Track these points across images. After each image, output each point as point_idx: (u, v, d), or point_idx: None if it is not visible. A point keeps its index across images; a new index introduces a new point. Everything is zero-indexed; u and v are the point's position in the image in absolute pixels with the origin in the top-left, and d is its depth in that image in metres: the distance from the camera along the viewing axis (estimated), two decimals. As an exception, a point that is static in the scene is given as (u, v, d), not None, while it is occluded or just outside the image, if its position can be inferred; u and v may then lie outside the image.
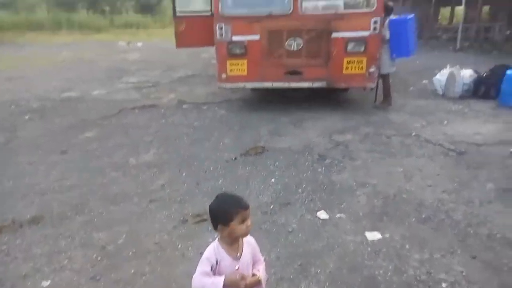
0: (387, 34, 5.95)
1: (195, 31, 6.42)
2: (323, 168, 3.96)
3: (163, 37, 28.84)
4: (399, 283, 2.27)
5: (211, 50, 15.71)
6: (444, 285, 2.25)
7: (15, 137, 5.24)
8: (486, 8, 22.36)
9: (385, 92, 6.45)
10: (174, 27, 6.79)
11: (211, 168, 4.05)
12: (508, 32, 17.24)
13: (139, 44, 22.04)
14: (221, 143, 4.87)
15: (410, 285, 2.26)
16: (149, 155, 4.51)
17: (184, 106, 6.99)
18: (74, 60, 14.38)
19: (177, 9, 6.63)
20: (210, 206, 1.50)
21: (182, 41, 6.89)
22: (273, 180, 3.72)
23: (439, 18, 25.80)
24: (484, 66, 8.07)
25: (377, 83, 6.19)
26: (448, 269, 2.38)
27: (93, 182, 3.74)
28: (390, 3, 6.14)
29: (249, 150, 4.55)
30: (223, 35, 6.00)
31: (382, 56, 6.02)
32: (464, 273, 2.34)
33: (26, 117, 6.31)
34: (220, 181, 3.74)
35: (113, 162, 4.26)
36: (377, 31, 5.64)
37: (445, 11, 26.47)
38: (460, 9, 20.54)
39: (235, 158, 4.32)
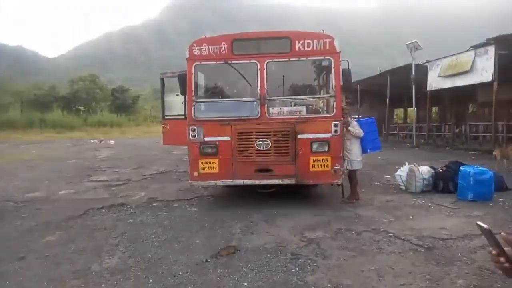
0: (361, 132, 6.61)
1: (176, 132, 6.74)
2: (297, 269, 3.89)
3: (136, 134, 29.61)
4: None
5: (183, 148, 16.19)
6: None
7: (-33, 243, 4.88)
8: (434, 109, 24.96)
9: (353, 188, 6.76)
10: (162, 127, 7.54)
11: (180, 273, 3.87)
12: (456, 130, 19.08)
13: (112, 141, 22.38)
14: (191, 244, 4.73)
15: None
16: (113, 260, 4.27)
17: (154, 204, 6.90)
18: (43, 158, 14.23)
19: (165, 112, 7.31)
20: None
21: (167, 139, 7.54)
22: (245, 284, 3.58)
23: (395, 117, 28.36)
24: (439, 161, 8.73)
25: (342, 180, 6.49)
26: None
27: (51, 293, 3.45)
28: (346, 107, 6.90)
29: (220, 251, 4.43)
30: (196, 136, 6.30)
31: (354, 153, 6.64)
32: None
33: (-17, 220, 5.96)
34: (189, 286, 3.56)
35: (74, 270, 3.98)
36: (338, 133, 6.13)
37: (399, 112, 29.25)
38: (411, 110, 22.83)
39: (206, 260, 4.17)
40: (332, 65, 6.19)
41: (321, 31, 6.31)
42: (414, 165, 7.61)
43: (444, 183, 7.31)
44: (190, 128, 6.32)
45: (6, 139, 24.15)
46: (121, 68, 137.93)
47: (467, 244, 4.51)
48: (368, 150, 6.85)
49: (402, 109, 27.77)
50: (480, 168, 6.68)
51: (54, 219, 5.92)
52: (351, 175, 6.75)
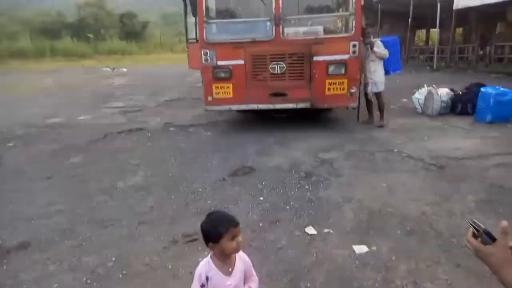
0: (387, 53, 6.37)
1: (196, 56, 6.57)
2: (310, 186, 4.04)
3: (148, 63, 29.17)
4: (387, 294, 2.32)
5: (196, 74, 15.97)
6: (430, 293, 2.32)
7: (-1, 165, 5.18)
8: (459, 30, 23.46)
9: (381, 111, 6.70)
10: (187, 51, 7.83)
11: (200, 190, 4.08)
12: (480, 52, 18.11)
13: (124, 69, 22.16)
14: (208, 165, 4.91)
15: (398, 296, 2.31)
16: (136, 178, 4.51)
17: (171, 129, 7.04)
18: (58, 86, 14.34)
19: (188, 36, 7.29)
20: (201, 224, 1.55)
21: (191, 63, 7.50)
22: (261, 198, 3.77)
23: (416, 39, 26.90)
24: (460, 84, 8.45)
25: (359, 102, 6.40)
26: (434, 278, 2.45)
27: (80, 207, 3.72)
28: (370, 28, 6.70)
29: (236, 171, 4.60)
30: (208, 60, 6.16)
31: (379, 74, 6.47)
32: (448, 281, 2.41)
33: (10, 144, 6.24)
34: (209, 201, 3.77)
35: (100, 187, 4.25)
36: (356, 54, 5.89)
37: (421, 34, 27.66)
38: (434, 32, 21.52)
39: (223, 179, 4.36)
40: (353, -21, 5.73)
41: None
42: (433, 87, 7.40)
43: (462, 105, 7.15)
44: (202, 52, 6.16)
45: (19, 68, 24.19)
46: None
47: (480, 163, 4.55)
48: (391, 72, 6.65)
49: (424, 31, 26.23)
50: (502, 89, 6.47)
51: (76, 142, 6.15)
52: (378, 97, 6.64)
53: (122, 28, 38.85)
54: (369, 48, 6.30)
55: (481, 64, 16.97)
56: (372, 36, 6.54)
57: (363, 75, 6.51)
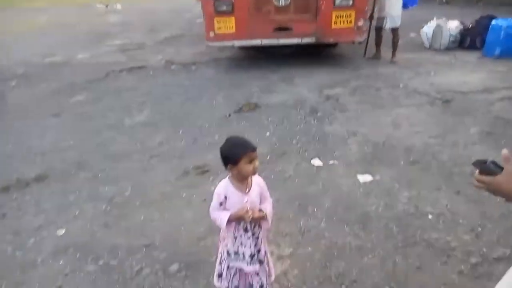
0: None
1: None
2: (315, 121, 4.09)
3: (143, -2, 27.69)
4: (389, 217, 2.47)
5: (194, 9, 15.24)
6: (430, 216, 2.46)
7: (4, 104, 5.19)
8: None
9: (395, 46, 6.41)
10: None
11: (206, 125, 4.14)
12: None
13: (118, 6, 21.12)
14: (213, 101, 4.92)
15: (399, 218, 2.46)
16: (142, 115, 4.55)
17: (172, 67, 6.91)
18: (53, 24, 13.80)
19: None
20: (220, 148, 1.60)
21: None
22: (268, 133, 3.83)
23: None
24: (470, 17, 8.09)
25: (368, 36, 6.19)
26: (434, 203, 2.59)
27: (91, 142, 3.81)
28: None
29: (242, 107, 4.62)
30: (209, -9, 5.86)
31: (398, 8, 6.07)
32: (448, 206, 2.55)
33: (12, 83, 6.18)
34: (216, 136, 3.84)
35: (108, 123, 4.30)
36: (366, -12, 5.59)
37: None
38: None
39: (229, 115, 4.40)
40: None
41: None
42: (442, 20, 7.11)
43: (471, 39, 6.93)
44: (202, -18, 5.84)
45: (10, 5, 23.10)
46: None
47: (486, 97, 4.54)
48: (409, 5, 6.27)
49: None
50: (514, 20, 6.23)
51: (78, 81, 6.09)
52: (394, 32, 6.29)
53: (113, -41, 36.32)
54: None
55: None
56: None
57: (376, 9, 6.11)
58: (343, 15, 5.81)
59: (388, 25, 6.17)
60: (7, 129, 4.24)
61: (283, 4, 5.82)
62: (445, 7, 14.08)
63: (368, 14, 5.94)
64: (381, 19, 6.16)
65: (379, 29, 6.31)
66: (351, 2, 5.72)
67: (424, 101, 4.51)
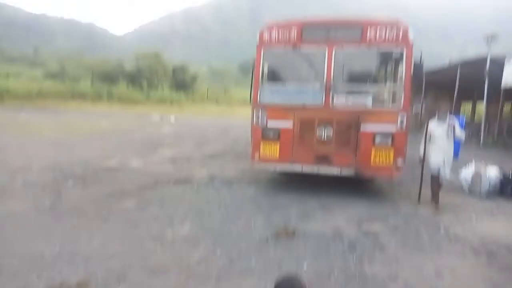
0: (463, 134, 6.27)
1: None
2: (354, 258, 4.04)
3: (194, 112, 30.79)
4: None
5: (238, 129, 16.65)
6: None
7: (60, 203, 5.60)
8: (508, 105, 23.04)
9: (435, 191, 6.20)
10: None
11: (244, 248, 4.19)
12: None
13: (172, 118, 23.51)
14: (252, 223, 5.05)
15: None
16: (184, 229, 4.72)
17: (215, 182, 7.32)
18: (113, 129, 15.45)
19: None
20: None
21: None
22: (305, 266, 3.81)
23: (461, 112, 26.58)
24: (509, 163, 8.22)
25: (421, 181, 6.20)
26: None
27: (133, 253, 3.94)
28: (443, 106, 6.60)
29: (279, 232, 4.69)
30: (259, 120, 6.55)
31: (451, 156, 6.12)
32: None
33: (70, 183, 6.75)
34: (253, 262, 3.86)
35: (151, 234, 4.48)
36: (403, 127, 6.04)
37: (466, 106, 27.36)
38: (481, 105, 21.25)
39: (267, 240, 4.46)
40: (404, 56, 6.06)
41: (394, 18, 6.18)
42: (481, 166, 7.27)
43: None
44: (254, 112, 6.58)
45: (78, 109, 26.37)
46: (181, 46, 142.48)
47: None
48: (457, 156, 6.45)
49: (470, 104, 25.98)
50: (557, 175, 6.25)
51: (129, 187, 6.56)
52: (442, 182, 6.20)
53: (174, 79, 41.68)
54: (452, 127, 5.97)
55: (532, 143, 16.37)
56: (447, 113, 6.26)
57: (425, 152, 6.19)
58: (382, 153, 6.15)
59: (447, 174, 6.12)
60: (57, 230, 4.51)
61: (325, 137, 6.32)
62: (482, 150, 14.41)
63: (408, 154, 6.24)
64: (436, 165, 6.08)
65: (434, 177, 6.15)
66: (390, 142, 6.12)
67: (468, 250, 4.37)
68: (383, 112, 6.24)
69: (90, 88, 33.85)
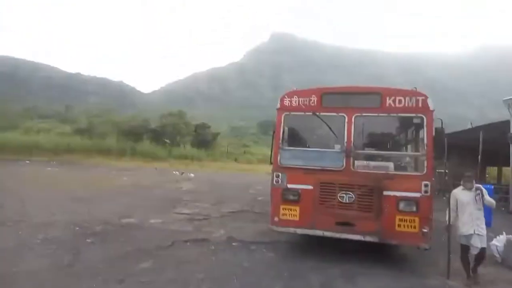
0: (493, 202, 5.84)
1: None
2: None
3: (213, 169, 31.12)
4: None
5: (258, 186, 16.55)
6: None
7: (77, 261, 5.57)
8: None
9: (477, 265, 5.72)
10: None
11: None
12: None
13: (192, 175, 23.75)
14: (271, 291, 4.83)
15: None
16: (200, 295, 4.55)
17: (234, 243, 7.16)
18: (134, 185, 15.69)
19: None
20: None
21: None
22: None
23: (487, 176, 25.79)
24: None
25: (449, 252, 5.71)
26: None
27: (148, 319, 3.79)
28: (468, 172, 6.08)
29: (300, 303, 4.45)
30: (279, 182, 6.54)
31: (484, 226, 5.65)
32: None
33: (89, 240, 6.76)
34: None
35: (166, 299, 4.33)
36: (428, 194, 5.87)
37: (491, 170, 26.61)
38: (507, 169, 20.60)
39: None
40: (425, 123, 6.08)
41: (414, 89, 6.30)
42: (514, 236, 6.87)
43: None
44: (274, 174, 6.59)
45: (102, 163, 27.15)
46: (204, 105, 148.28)
47: None
48: (490, 224, 6.07)
49: (496, 168, 25.26)
50: None
51: (146, 246, 6.49)
52: (482, 254, 5.64)
53: (196, 136, 42.93)
54: (480, 195, 5.62)
55: None
56: (473, 179, 5.85)
57: (452, 219, 5.81)
58: (407, 220, 5.94)
59: (481, 244, 5.56)
60: (74, 289, 4.44)
61: (347, 201, 6.19)
62: (511, 216, 13.70)
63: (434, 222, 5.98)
64: (469, 237, 5.62)
65: (464, 248, 5.72)
66: (414, 209, 5.92)
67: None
68: (407, 177, 6.14)
69: (115, 144, 35.15)
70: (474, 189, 5.70)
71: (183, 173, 24.31)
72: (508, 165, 17.45)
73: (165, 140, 38.23)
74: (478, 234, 5.57)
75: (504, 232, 7.16)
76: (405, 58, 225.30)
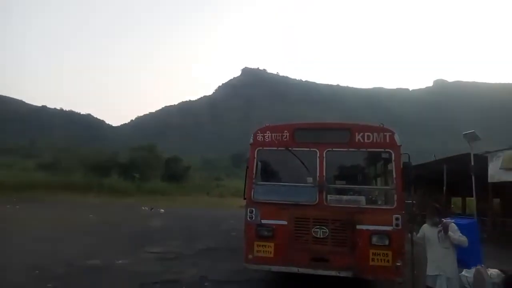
0: (465, 240, 4.96)
1: None
2: None
3: (184, 204, 30.34)
4: None
5: (231, 221, 16.29)
6: None
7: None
8: (497, 201, 23.26)
9: None
10: None
11: None
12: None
13: (162, 210, 23.05)
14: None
15: None
16: None
17: (206, 284, 6.90)
18: (100, 222, 14.97)
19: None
20: None
21: None
22: None
23: (452, 206, 26.69)
24: (507, 262, 7.95)
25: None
26: None
27: None
28: (431, 207, 5.60)
29: None
30: (253, 217, 6.44)
31: (452, 266, 5.12)
32: None
33: (49, 285, 6.28)
34: None
35: None
36: (399, 227, 5.96)
37: (456, 200, 27.57)
38: (471, 200, 21.42)
39: None
40: (393, 158, 6.27)
41: (381, 125, 6.55)
42: (482, 266, 7.03)
43: (518, 290, 6.61)
44: (248, 209, 6.50)
45: (66, 200, 25.87)
46: (175, 139, 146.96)
47: None
48: (471, 266, 5.43)
49: (460, 199, 26.23)
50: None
51: (113, 290, 6.10)
52: None
53: (166, 170, 42.09)
54: (442, 231, 5.02)
55: (527, 239, 16.14)
56: (441, 215, 5.38)
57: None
58: (380, 254, 5.96)
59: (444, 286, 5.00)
60: None
61: (321, 236, 6.15)
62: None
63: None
64: (433, 278, 5.10)
65: None
66: (387, 242, 5.97)
67: None
68: (378, 211, 6.24)
69: (81, 179, 33.75)
70: (438, 224, 5.11)
71: (152, 208, 23.56)
72: (471, 195, 18.19)
73: (134, 174, 37.18)
74: (445, 277, 5.00)
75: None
76: (370, 93, 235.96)
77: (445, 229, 5.00)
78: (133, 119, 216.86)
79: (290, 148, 6.59)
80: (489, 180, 15.81)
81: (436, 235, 5.09)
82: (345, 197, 6.50)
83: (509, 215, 19.40)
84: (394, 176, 6.20)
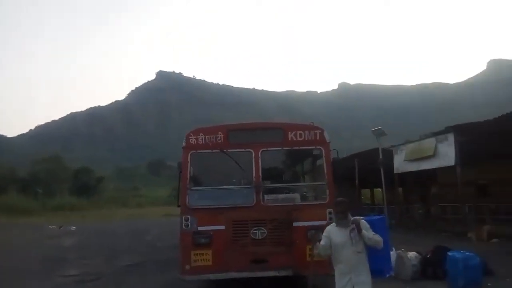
0: (380, 240, 3.93)
1: None
2: None
3: (98, 218, 27.98)
4: None
5: (155, 231, 15.39)
6: None
7: None
8: (399, 190, 26.08)
9: None
10: None
11: None
12: (419, 211, 19.91)
13: (73, 227, 20.92)
14: None
15: None
16: None
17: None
18: (2, 246, 12.92)
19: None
20: None
21: None
22: None
23: (362, 197, 29.16)
24: (418, 245, 8.86)
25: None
26: None
27: None
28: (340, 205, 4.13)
29: None
30: (189, 225, 6.09)
31: (365, 273, 3.93)
32: None
33: None
34: None
35: None
36: (332, 221, 6.18)
37: (365, 192, 30.23)
38: (377, 190, 23.65)
39: None
40: (323, 154, 6.50)
41: (311, 123, 6.75)
42: (402, 250, 7.69)
43: (432, 269, 7.37)
44: (183, 218, 6.12)
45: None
46: (83, 148, 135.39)
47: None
48: (386, 273, 4.54)
49: (368, 190, 28.81)
50: (467, 253, 6.86)
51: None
52: None
53: (75, 182, 38.42)
54: (355, 231, 3.90)
55: (426, 223, 18.38)
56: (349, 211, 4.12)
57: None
58: (317, 251, 6.09)
59: None
60: None
61: (259, 237, 6.07)
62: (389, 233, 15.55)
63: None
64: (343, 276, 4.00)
65: None
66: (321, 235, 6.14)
67: None
68: (312, 206, 6.38)
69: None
70: (349, 224, 3.97)
71: (61, 226, 21.23)
72: (378, 186, 20.06)
73: (37, 189, 33.11)
74: (353, 283, 3.89)
75: (393, 248, 7.95)
76: (282, 96, 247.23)
77: (358, 226, 3.89)
78: (32, 128, 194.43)
79: (225, 150, 6.41)
80: (395, 171, 17.62)
81: (346, 236, 3.92)
82: (281, 196, 6.53)
83: (411, 201, 21.93)
84: (325, 171, 6.43)
